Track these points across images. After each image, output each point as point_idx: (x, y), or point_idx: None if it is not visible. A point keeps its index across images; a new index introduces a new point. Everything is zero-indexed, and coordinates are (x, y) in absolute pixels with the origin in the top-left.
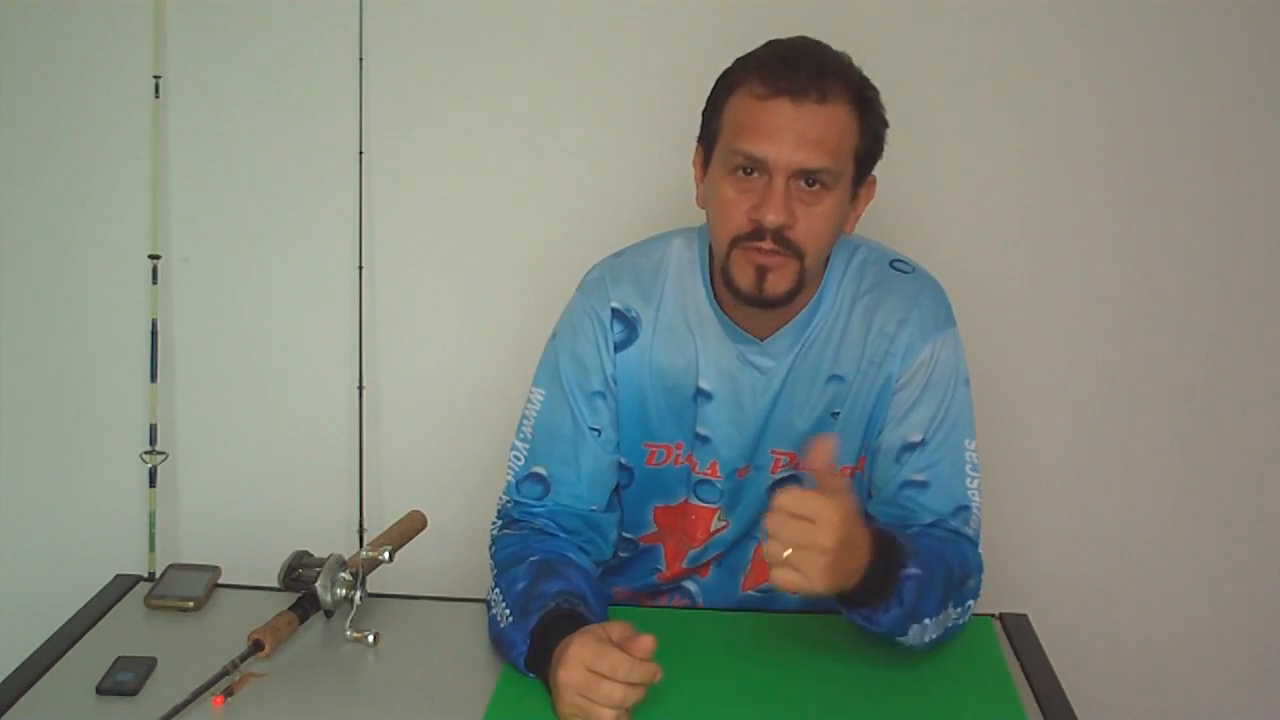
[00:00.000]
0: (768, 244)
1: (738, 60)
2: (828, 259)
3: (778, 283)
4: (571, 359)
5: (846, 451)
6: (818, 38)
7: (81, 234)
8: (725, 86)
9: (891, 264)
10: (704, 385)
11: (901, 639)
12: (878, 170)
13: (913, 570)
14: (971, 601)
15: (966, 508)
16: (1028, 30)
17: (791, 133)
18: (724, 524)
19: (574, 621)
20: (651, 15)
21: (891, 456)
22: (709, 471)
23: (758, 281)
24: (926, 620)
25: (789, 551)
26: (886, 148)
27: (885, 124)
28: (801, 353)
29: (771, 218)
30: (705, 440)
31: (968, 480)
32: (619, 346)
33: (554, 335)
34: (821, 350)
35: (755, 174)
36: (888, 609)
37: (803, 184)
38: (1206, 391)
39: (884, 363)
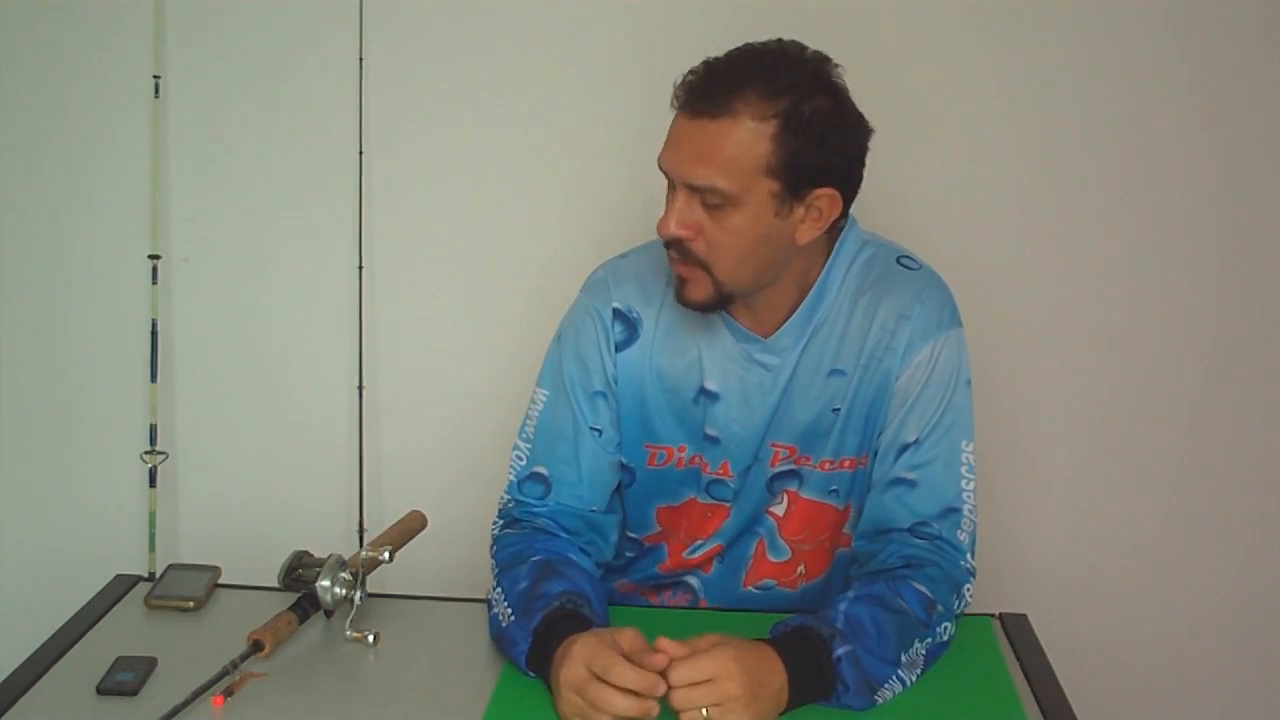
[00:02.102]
0: (674, 254)
1: None
2: (832, 248)
3: (692, 292)
4: (574, 359)
5: (848, 446)
6: (818, 40)
7: (81, 234)
8: None
9: (899, 260)
10: (710, 386)
11: (883, 697)
12: (874, 164)
13: (841, 650)
14: (948, 624)
15: (957, 510)
16: (1027, 29)
17: (684, 146)
18: (728, 516)
19: (577, 622)
20: (652, 16)
21: (889, 455)
22: (721, 471)
23: (680, 289)
24: (893, 676)
25: (706, 713)
26: (888, 146)
27: (831, 137)
28: (806, 347)
29: (662, 228)
30: (715, 441)
31: (962, 482)
32: (619, 346)
33: (558, 336)
34: (824, 344)
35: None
36: (839, 695)
37: (704, 200)
38: (1206, 390)
39: (884, 358)
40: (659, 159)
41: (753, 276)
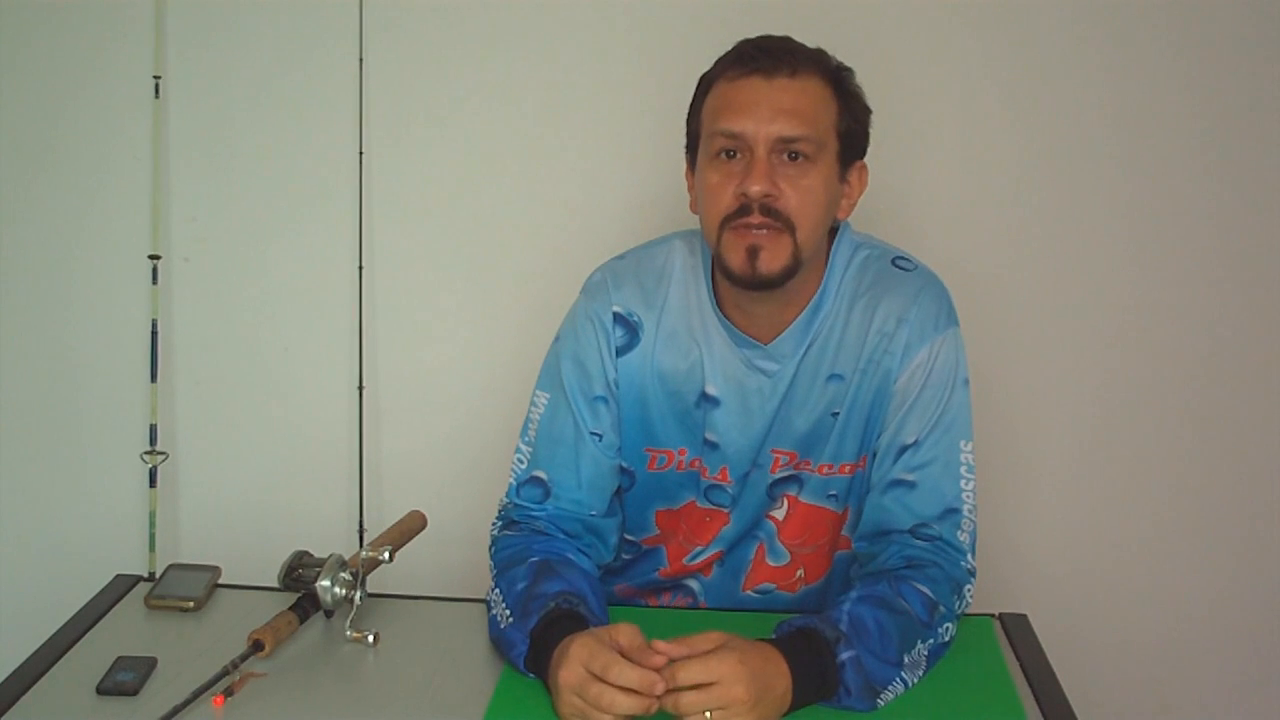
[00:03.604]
0: (756, 218)
1: (714, 63)
2: (829, 252)
3: (770, 260)
4: (573, 363)
5: (847, 450)
6: (818, 39)
7: (81, 234)
8: (702, 87)
9: (894, 262)
10: (711, 391)
11: (885, 699)
12: (872, 164)
13: (845, 654)
14: (950, 624)
15: (956, 511)
16: (1027, 29)
17: (767, 105)
18: (727, 522)
19: (574, 622)
20: (652, 16)
21: (888, 457)
22: (719, 476)
23: (749, 260)
24: (895, 678)
25: (709, 716)
26: (886, 146)
27: (866, 108)
28: (805, 353)
29: (756, 187)
30: (714, 446)
31: (961, 482)
32: (620, 351)
33: (557, 339)
34: (823, 349)
35: (737, 155)
36: (840, 699)
37: (785, 157)
38: (1205, 390)
39: (882, 361)
40: (728, 125)
41: (816, 244)
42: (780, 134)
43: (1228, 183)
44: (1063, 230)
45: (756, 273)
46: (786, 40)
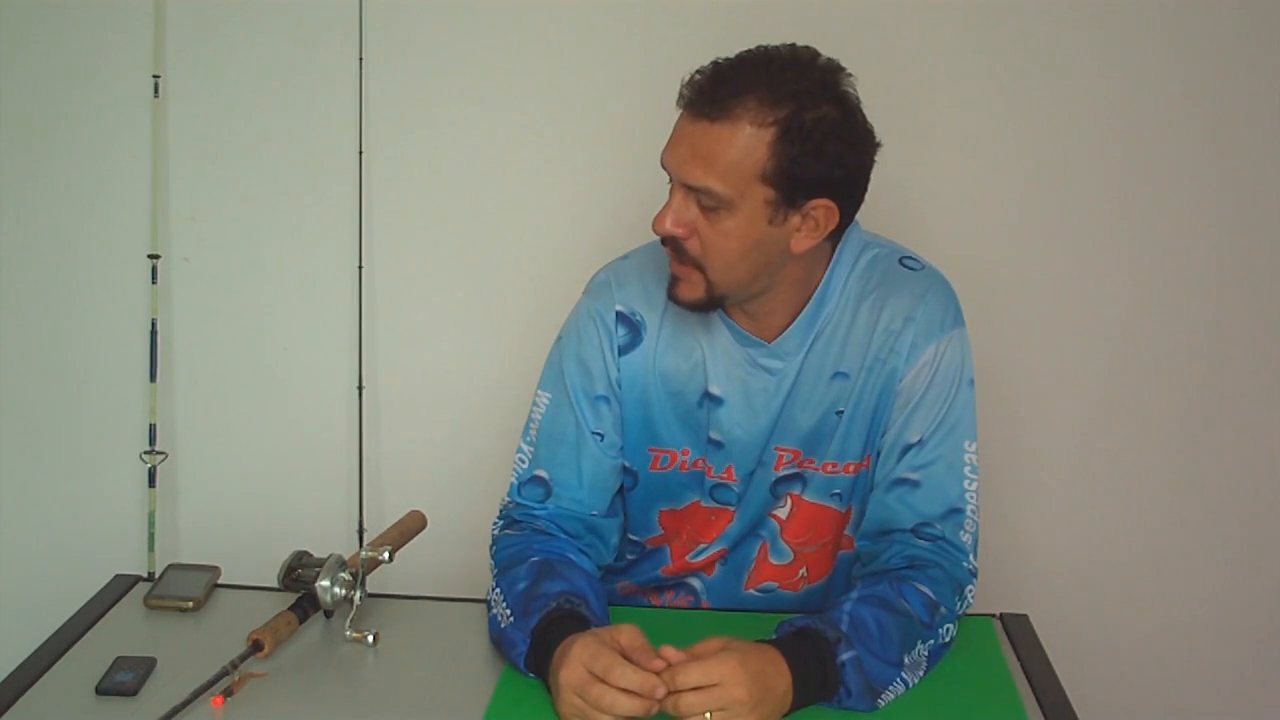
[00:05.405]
0: (669, 250)
1: None
2: (834, 251)
3: (684, 291)
4: (576, 363)
5: (851, 449)
6: (818, 38)
7: (81, 234)
8: None
9: (901, 261)
10: (714, 390)
11: (885, 700)
12: (877, 164)
13: (846, 655)
14: (950, 625)
15: (960, 510)
16: (1027, 27)
17: (684, 146)
18: (731, 519)
19: (575, 622)
20: (652, 16)
21: (892, 456)
22: (725, 475)
23: (672, 286)
24: (896, 679)
25: (710, 718)
26: (892, 146)
27: (827, 154)
28: (809, 351)
29: (656, 224)
30: (719, 445)
31: (965, 482)
32: (623, 350)
33: (559, 339)
34: (828, 347)
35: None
36: (840, 699)
37: (699, 200)
38: (1206, 389)
39: (889, 359)
40: (661, 155)
41: (745, 281)
42: (685, 180)
43: (1229, 180)
44: (1066, 229)
45: (675, 298)
46: (737, 71)
